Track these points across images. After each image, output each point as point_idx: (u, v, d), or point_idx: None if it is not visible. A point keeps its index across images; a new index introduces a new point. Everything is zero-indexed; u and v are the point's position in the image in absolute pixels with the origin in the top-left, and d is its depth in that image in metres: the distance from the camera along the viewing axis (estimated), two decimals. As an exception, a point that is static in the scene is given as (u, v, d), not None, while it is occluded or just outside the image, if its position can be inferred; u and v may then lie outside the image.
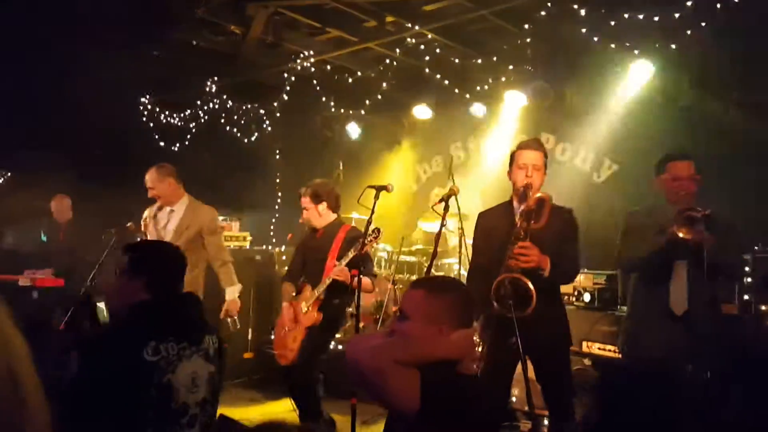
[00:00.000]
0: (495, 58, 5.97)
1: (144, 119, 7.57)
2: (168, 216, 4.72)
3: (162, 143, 7.71)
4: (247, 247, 6.91)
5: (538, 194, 3.20)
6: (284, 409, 5.22)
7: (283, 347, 4.28)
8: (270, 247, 7.49)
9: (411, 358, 1.72)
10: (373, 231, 4.04)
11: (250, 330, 6.60)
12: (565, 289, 4.47)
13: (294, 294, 4.39)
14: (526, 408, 3.65)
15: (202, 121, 7.61)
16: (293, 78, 6.85)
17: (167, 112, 7.61)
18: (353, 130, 7.58)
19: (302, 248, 4.56)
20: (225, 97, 7.36)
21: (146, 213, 4.89)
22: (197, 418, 2.31)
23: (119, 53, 6.48)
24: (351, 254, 4.08)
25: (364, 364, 1.71)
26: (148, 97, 7.55)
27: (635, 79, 5.49)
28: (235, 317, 4.82)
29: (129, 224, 7.05)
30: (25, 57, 6.18)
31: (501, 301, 3.03)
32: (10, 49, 5.94)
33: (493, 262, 3.15)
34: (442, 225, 3.76)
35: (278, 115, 7.55)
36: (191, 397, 2.30)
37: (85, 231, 6.04)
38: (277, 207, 8.47)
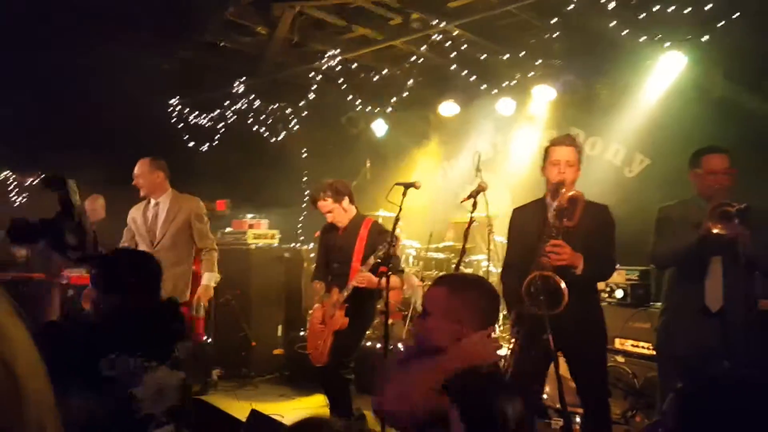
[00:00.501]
0: (523, 53, 5.92)
1: (173, 120, 7.68)
2: (154, 209, 4.77)
3: (191, 143, 7.81)
4: (276, 244, 6.98)
5: (571, 192, 3.17)
6: (314, 404, 5.29)
7: (315, 348, 4.31)
8: (298, 245, 7.55)
9: (439, 378, 1.71)
10: (391, 239, 4.02)
11: (279, 327, 6.68)
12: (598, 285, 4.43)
13: (324, 293, 4.40)
14: (558, 405, 3.64)
15: (230, 121, 7.69)
16: (319, 77, 6.88)
17: (196, 113, 7.71)
18: (379, 127, 7.58)
19: (324, 246, 4.54)
20: (252, 97, 7.43)
21: (132, 213, 4.91)
22: (166, 423, 2.29)
23: (149, 55, 6.59)
24: (372, 261, 4.06)
25: (401, 414, 1.75)
26: (177, 98, 7.65)
27: (666, 71, 5.40)
28: (204, 304, 4.82)
29: (160, 224, 7.21)
30: (54, 58, 6.30)
31: (532, 298, 3.02)
32: (40, 51, 6.07)
33: (525, 259, 3.13)
34: (471, 221, 3.76)
35: (304, 114, 7.59)
36: (157, 408, 2.27)
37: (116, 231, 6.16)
38: (304, 205, 8.52)
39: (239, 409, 3.90)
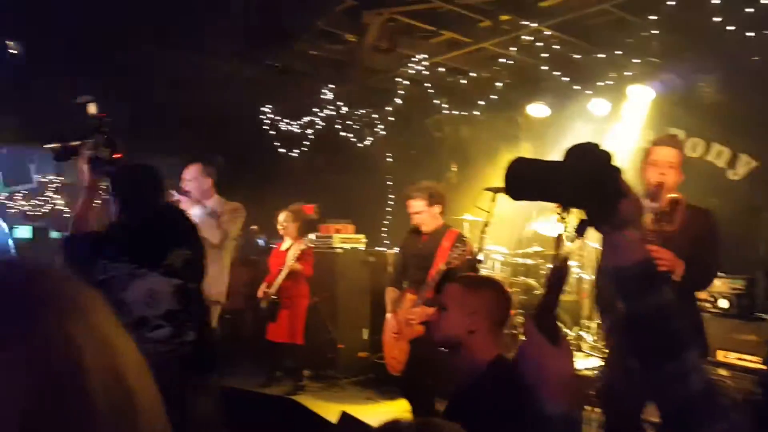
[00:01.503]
0: (618, 52, 5.69)
1: (265, 127, 7.94)
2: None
3: (282, 150, 8.05)
4: (362, 248, 7.06)
5: (672, 195, 3.02)
6: (400, 408, 5.28)
7: (392, 357, 4.29)
8: (383, 249, 7.61)
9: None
10: (457, 245, 3.95)
11: (365, 330, 6.74)
12: (699, 294, 4.18)
13: (398, 301, 4.34)
14: (656, 419, 3.45)
15: (319, 127, 7.86)
16: (406, 81, 6.92)
17: (287, 120, 7.93)
18: (466, 131, 7.52)
19: (404, 251, 4.49)
20: (340, 103, 7.56)
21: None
22: (164, 326, 2.40)
23: (243, 65, 6.86)
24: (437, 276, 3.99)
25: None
26: (269, 106, 7.91)
27: (778, 66, 5.04)
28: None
29: (253, 227, 7.48)
30: (150, 69, 6.66)
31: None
32: (136, 61, 6.42)
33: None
34: (563, 226, 3.64)
35: (391, 118, 7.65)
36: (150, 311, 2.39)
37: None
38: (389, 209, 8.58)
39: (328, 411, 3.96)
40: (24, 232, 10.88)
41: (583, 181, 0.95)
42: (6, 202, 11.62)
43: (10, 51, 5.22)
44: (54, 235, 11.48)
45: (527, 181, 1.03)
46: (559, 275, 1.10)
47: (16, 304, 0.46)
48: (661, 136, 3.34)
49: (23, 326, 0.45)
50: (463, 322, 2.00)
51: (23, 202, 11.80)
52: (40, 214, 11.91)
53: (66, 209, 12.14)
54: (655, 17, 5.23)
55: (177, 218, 2.73)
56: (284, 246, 6.26)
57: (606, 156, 0.97)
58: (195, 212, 4.34)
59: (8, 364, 0.43)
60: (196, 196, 4.51)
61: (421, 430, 1.19)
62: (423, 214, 4.26)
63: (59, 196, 11.85)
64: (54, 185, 11.40)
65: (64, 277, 0.50)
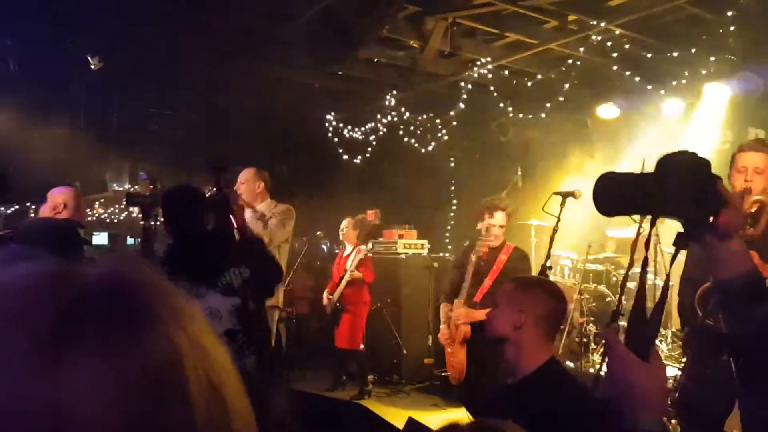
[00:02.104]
0: (693, 50, 5.47)
1: (329, 134, 8.04)
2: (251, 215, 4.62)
3: (345, 156, 8.13)
4: (425, 254, 7.04)
5: (757, 197, 2.88)
6: (466, 416, 5.22)
7: (451, 367, 4.24)
8: (447, 254, 7.56)
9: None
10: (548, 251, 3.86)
11: (430, 336, 6.70)
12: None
13: (449, 311, 4.26)
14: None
15: (382, 133, 7.90)
16: (470, 86, 6.86)
17: (350, 127, 8.01)
18: (532, 134, 7.39)
19: (461, 266, 4.30)
20: (403, 109, 7.58)
21: None
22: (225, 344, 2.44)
23: (308, 74, 6.98)
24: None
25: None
26: (333, 113, 8.01)
27: None
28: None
29: (318, 233, 7.58)
30: (220, 78, 6.86)
31: (708, 310, 2.77)
32: (207, 72, 6.63)
33: (705, 271, 2.87)
34: (639, 232, 3.52)
35: (454, 123, 7.60)
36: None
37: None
38: (452, 214, 8.52)
39: (394, 416, 3.95)
40: (101, 239, 11.40)
41: (682, 191, 0.92)
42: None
43: (91, 65, 5.48)
44: (129, 241, 12.00)
45: (617, 195, 1.02)
46: (664, 293, 1.05)
47: (131, 303, 0.47)
48: (748, 141, 3.20)
49: (135, 327, 0.45)
50: (511, 318, 2.05)
51: (101, 210, 12.39)
52: (116, 221, 12.48)
53: (140, 216, 12.67)
54: (731, 13, 5.00)
55: (233, 237, 2.82)
56: (346, 252, 6.32)
57: (706, 164, 0.94)
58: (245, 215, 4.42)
59: (117, 364, 0.43)
60: (247, 199, 4.53)
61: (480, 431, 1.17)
62: (497, 229, 4.16)
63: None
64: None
65: (169, 285, 0.50)
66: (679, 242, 0.96)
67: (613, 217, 1.02)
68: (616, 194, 1.03)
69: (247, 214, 4.36)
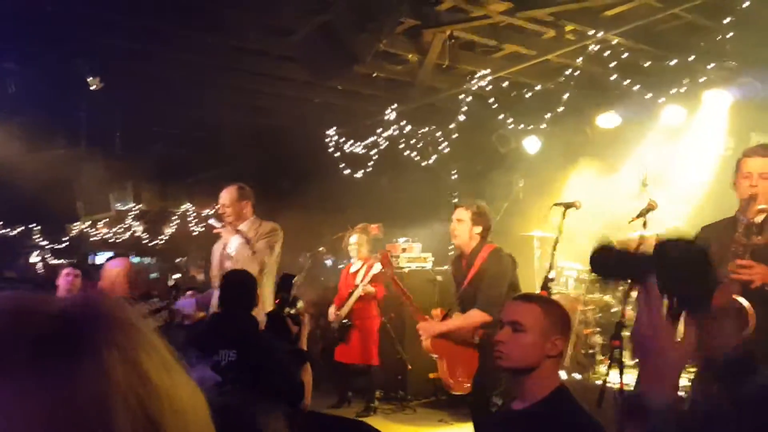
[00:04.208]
0: (692, 57, 5.45)
1: (330, 149, 8.05)
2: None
3: (346, 171, 8.12)
4: (428, 267, 6.99)
5: (761, 205, 2.85)
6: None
7: (443, 373, 4.20)
8: (450, 268, 7.51)
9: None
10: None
11: (435, 351, 6.64)
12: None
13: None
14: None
15: (382, 147, 7.90)
16: (469, 98, 6.86)
17: (351, 141, 8.02)
18: (532, 144, 7.36)
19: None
20: (403, 122, 7.58)
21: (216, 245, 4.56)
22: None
23: (308, 90, 6.99)
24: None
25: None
26: (333, 128, 8.02)
27: None
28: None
29: (321, 249, 7.56)
30: (220, 96, 6.88)
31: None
32: (208, 90, 6.65)
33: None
34: (640, 243, 3.49)
35: (454, 136, 7.59)
36: None
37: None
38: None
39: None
40: (105, 259, 11.42)
41: (681, 275, 1.01)
42: (89, 230, 12.27)
43: (91, 86, 5.50)
44: (134, 260, 12.01)
45: (614, 267, 1.13)
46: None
47: (74, 334, 0.47)
48: (752, 146, 3.17)
49: (68, 358, 0.45)
50: (544, 347, 1.90)
51: (105, 230, 12.42)
52: (120, 241, 12.50)
53: (145, 235, 12.70)
54: (729, 19, 4.99)
55: (234, 322, 3.09)
56: (353, 267, 6.27)
57: (704, 254, 1.02)
58: (233, 243, 4.26)
59: (41, 390, 0.44)
60: (234, 222, 4.32)
61: None
62: (460, 227, 3.93)
63: (138, 223, 12.42)
64: (133, 213, 11.95)
65: (133, 319, 0.50)
66: (673, 315, 1.02)
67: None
68: (613, 267, 1.12)
69: (235, 240, 4.27)
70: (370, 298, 5.98)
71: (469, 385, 4.04)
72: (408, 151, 7.90)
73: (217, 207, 4.49)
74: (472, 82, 6.45)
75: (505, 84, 6.71)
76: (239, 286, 3.16)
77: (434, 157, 7.86)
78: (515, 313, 1.99)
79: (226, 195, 4.35)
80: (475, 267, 3.88)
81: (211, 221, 4.43)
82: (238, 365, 2.82)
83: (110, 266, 4.02)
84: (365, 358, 5.95)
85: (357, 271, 6.14)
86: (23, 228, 11.87)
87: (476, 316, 3.76)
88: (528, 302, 2.04)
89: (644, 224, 3.45)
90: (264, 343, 3.03)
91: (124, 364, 0.46)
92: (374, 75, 6.67)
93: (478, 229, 3.91)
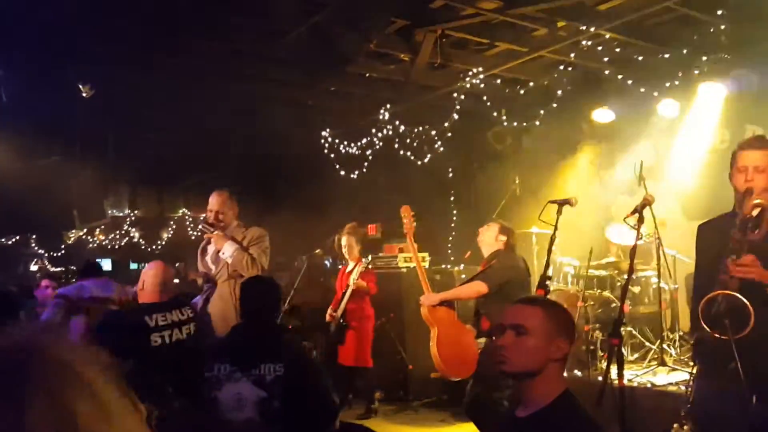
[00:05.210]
0: (686, 51, 5.44)
1: (325, 150, 8.02)
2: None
3: (342, 172, 8.10)
4: (426, 267, 6.96)
5: (757, 200, 2.80)
6: (475, 431, 5.14)
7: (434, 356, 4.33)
8: (449, 266, 7.49)
9: None
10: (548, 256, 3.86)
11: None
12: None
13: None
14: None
15: (377, 147, 7.87)
16: (463, 96, 6.84)
17: (345, 142, 7.99)
18: (528, 141, 7.35)
19: None
20: (397, 122, 7.55)
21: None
22: None
23: (301, 91, 6.97)
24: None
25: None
26: (328, 130, 7.99)
27: None
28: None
29: (317, 250, 7.52)
30: (214, 99, 6.85)
31: (713, 321, 2.69)
32: (201, 93, 6.61)
33: (712, 279, 2.79)
34: (638, 238, 3.46)
35: (449, 134, 7.57)
36: (236, 415, 2.55)
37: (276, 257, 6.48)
38: (453, 225, 8.47)
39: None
40: (104, 265, 11.38)
41: None
42: (86, 237, 12.24)
43: (83, 93, 5.47)
44: (132, 266, 11.98)
45: None
46: None
47: (14, 370, 0.46)
48: (747, 138, 3.11)
49: (19, 393, 0.45)
50: (548, 350, 1.83)
51: (102, 237, 12.39)
52: (118, 247, 12.46)
53: (142, 241, 12.67)
54: (721, 11, 4.98)
55: (274, 334, 2.94)
56: (349, 268, 6.26)
57: None
58: (227, 250, 4.13)
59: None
60: (228, 225, 4.26)
61: None
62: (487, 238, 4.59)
63: (134, 229, 12.39)
64: (128, 219, 11.92)
65: (75, 359, 0.48)
66: None
67: None
68: None
69: (228, 247, 4.14)
70: (362, 294, 5.94)
71: (455, 372, 4.19)
72: (403, 151, 7.87)
73: (209, 213, 4.38)
74: (466, 80, 6.43)
75: (499, 81, 6.69)
76: (267, 294, 2.93)
77: (429, 156, 7.84)
78: (518, 316, 1.91)
79: (218, 199, 4.29)
80: (483, 264, 4.44)
81: (202, 226, 4.34)
82: (286, 380, 2.64)
83: (144, 270, 3.87)
84: (360, 360, 5.92)
85: (351, 272, 6.12)
86: (18, 237, 11.85)
87: (474, 285, 4.23)
88: (531, 305, 1.96)
89: (640, 219, 3.40)
90: (312, 360, 2.99)
91: (53, 411, 0.44)
92: (367, 75, 6.64)
93: (503, 237, 4.48)
